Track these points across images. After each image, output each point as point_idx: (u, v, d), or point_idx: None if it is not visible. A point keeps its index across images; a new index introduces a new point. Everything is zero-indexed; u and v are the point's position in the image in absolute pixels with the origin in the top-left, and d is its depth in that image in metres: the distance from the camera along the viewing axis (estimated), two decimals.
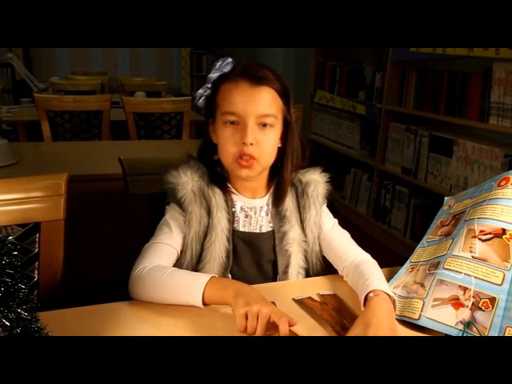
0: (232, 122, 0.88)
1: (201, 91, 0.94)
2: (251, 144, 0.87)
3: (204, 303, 0.79)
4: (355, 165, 3.24)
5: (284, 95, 0.91)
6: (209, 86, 0.93)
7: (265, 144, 0.89)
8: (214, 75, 0.92)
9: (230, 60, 0.92)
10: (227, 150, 0.89)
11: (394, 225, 2.80)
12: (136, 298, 0.84)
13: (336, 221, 1.02)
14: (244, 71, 0.89)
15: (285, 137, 0.94)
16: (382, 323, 0.72)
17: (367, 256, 0.95)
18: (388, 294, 0.79)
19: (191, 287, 0.79)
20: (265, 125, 0.88)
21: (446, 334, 0.75)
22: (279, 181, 0.97)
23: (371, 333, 0.69)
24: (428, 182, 2.55)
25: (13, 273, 0.54)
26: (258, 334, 0.71)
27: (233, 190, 0.96)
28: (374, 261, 0.94)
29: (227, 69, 0.91)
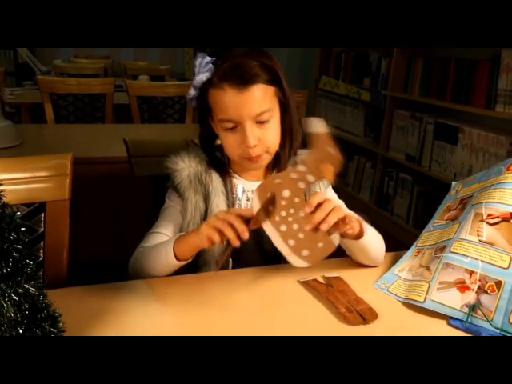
0: (231, 128, 0.87)
1: (192, 93, 0.90)
2: (254, 145, 0.87)
3: (178, 258, 0.83)
4: (359, 152, 3.23)
5: (274, 81, 0.88)
6: (195, 89, 0.90)
7: (267, 138, 0.88)
8: (197, 81, 0.87)
9: (208, 59, 0.86)
10: (232, 152, 0.90)
11: (397, 212, 2.80)
12: (133, 277, 0.89)
13: (342, 202, 1.02)
14: (227, 74, 0.84)
15: (282, 116, 0.92)
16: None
17: None
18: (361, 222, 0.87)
19: (164, 248, 0.85)
20: (262, 122, 0.87)
21: (452, 317, 0.75)
22: (276, 159, 0.96)
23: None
24: (432, 169, 2.54)
25: (21, 248, 0.54)
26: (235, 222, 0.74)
27: (234, 174, 0.97)
28: (381, 237, 0.94)
29: (209, 71, 0.86)
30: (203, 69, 0.86)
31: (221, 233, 0.75)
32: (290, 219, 0.74)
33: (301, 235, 0.74)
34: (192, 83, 0.89)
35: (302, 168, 0.76)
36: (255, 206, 0.75)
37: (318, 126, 0.76)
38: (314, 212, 0.75)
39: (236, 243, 0.73)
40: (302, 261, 0.74)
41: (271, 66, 0.87)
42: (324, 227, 0.74)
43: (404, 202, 2.74)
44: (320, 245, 0.74)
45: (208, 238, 0.76)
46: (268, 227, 0.75)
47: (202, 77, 0.86)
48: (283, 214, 0.74)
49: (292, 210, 0.74)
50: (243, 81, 0.83)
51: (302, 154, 1.00)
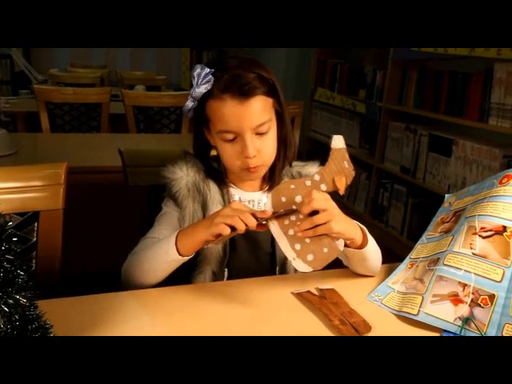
0: (230, 139, 0.87)
1: (189, 104, 0.90)
2: (254, 156, 0.87)
3: (181, 254, 0.82)
4: (354, 163, 3.23)
5: (272, 92, 0.89)
6: (193, 100, 0.89)
7: (266, 149, 0.89)
8: (196, 92, 0.87)
9: (207, 70, 0.86)
10: (231, 163, 0.91)
11: (392, 224, 2.80)
12: (127, 284, 0.87)
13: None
14: (228, 86, 0.84)
15: (277, 128, 0.93)
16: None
17: None
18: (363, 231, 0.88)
19: (165, 244, 0.84)
20: (262, 133, 0.88)
21: (445, 330, 0.75)
22: (272, 170, 0.96)
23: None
24: (426, 181, 2.56)
25: (12, 259, 0.53)
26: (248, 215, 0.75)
27: (230, 184, 0.97)
28: (378, 247, 0.93)
29: (208, 83, 0.86)
30: (202, 80, 0.86)
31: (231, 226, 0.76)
32: (298, 224, 0.76)
33: (307, 240, 0.76)
34: (190, 94, 0.88)
35: (317, 177, 0.80)
36: (268, 207, 0.78)
37: (336, 142, 0.80)
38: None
39: (242, 231, 0.76)
40: (306, 265, 0.76)
41: (269, 78, 0.88)
42: (308, 234, 0.76)
43: (398, 213, 2.75)
44: (325, 250, 0.76)
45: (217, 234, 0.77)
46: (276, 230, 0.77)
47: (201, 88, 0.86)
48: (293, 218, 0.77)
49: (302, 216, 0.77)
50: (244, 92, 0.84)
51: (306, 165, 1.02)
